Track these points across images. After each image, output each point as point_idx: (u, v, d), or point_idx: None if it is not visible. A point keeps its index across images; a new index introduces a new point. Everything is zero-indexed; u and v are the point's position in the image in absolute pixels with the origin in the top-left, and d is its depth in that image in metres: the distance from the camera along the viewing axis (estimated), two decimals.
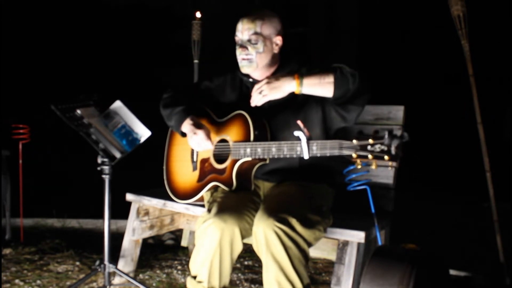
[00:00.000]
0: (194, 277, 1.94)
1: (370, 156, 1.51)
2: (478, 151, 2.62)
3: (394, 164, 1.50)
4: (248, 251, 3.08)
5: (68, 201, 4.00)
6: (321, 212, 1.93)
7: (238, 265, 2.92)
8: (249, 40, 2.03)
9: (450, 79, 5.42)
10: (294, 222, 1.76)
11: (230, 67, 2.25)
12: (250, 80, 2.14)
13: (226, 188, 2.05)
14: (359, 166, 1.55)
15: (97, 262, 2.23)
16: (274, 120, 2.05)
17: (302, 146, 1.72)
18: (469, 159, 3.87)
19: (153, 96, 2.51)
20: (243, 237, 1.90)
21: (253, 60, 2.04)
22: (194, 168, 2.20)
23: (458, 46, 2.66)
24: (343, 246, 2.01)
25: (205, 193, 2.16)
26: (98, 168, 2.17)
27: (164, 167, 2.38)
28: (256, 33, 2.02)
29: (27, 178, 3.20)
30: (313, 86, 1.87)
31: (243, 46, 2.04)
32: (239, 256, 3.03)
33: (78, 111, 2.15)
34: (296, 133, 1.74)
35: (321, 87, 1.87)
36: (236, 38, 2.08)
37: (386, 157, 1.49)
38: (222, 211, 1.88)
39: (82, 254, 3.00)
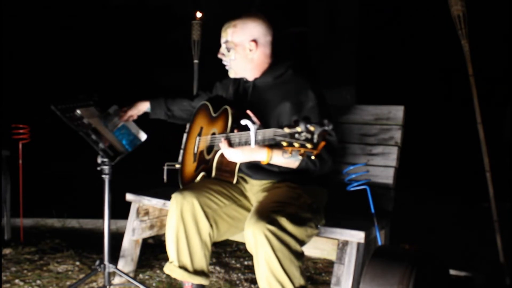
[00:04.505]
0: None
1: (296, 145, 1.51)
2: (478, 151, 2.62)
3: (316, 153, 1.50)
4: (248, 251, 3.08)
5: (68, 201, 4.00)
6: (312, 209, 1.94)
7: (238, 265, 2.92)
8: (225, 48, 2.15)
9: (450, 79, 5.42)
10: (283, 221, 1.77)
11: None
12: (244, 79, 2.23)
13: (208, 177, 2.13)
14: (289, 154, 1.55)
15: (97, 262, 2.23)
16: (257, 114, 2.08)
17: (251, 134, 1.74)
18: (469, 159, 3.87)
19: (152, 96, 2.52)
20: (208, 217, 1.98)
21: (230, 67, 2.17)
22: (194, 159, 2.28)
23: (458, 46, 2.66)
24: (343, 246, 2.01)
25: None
26: (98, 168, 2.17)
27: (180, 157, 2.45)
28: (227, 42, 2.13)
29: (27, 178, 3.20)
30: (277, 162, 1.95)
31: (221, 53, 2.18)
32: (239, 256, 3.04)
33: (78, 111, 2.15)
34: (243, 121, 1.75)
35: (284, 165, 1.98)
36: None
37: (308, 145, 1.49)
38: (184, 189, 2.03)
39: (82, 254, 3.00)
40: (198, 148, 2.28)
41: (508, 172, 4.48)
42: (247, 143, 1.84)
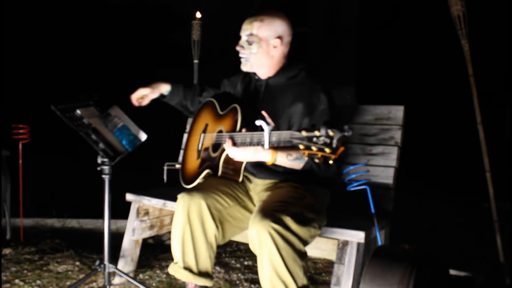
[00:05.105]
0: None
1: (314, 148, 1.52)
2: (478, 151, 2.62)
3: (335, 157, 1.51)
4: (248, 251, 3.08)
5: (68, 201, 4.00)
6: (315, 210, 1.95)
7: (238, 265, 2.92)
8: (247, 41, 2.12)
9: (450, 79, 5.42)
10: (288, 220, 1.78)
11: (230, 67, 2.29)
12: (256, 77, 2.22)
13: (214, 175, 2.12)
14: (306, 158, 1.56)
15: (97, 262, 2.23)
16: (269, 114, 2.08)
17: (264, 135, 1.74)
18: (469, 159, 3.87)
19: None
20: (214, 218, 1.97)
21: (248, 60, 2.14)
22: (198, 156, 2.28)
23: (458, 46, 2.66)
24: (343, 246, 2.01)
25: (200, 180, 2.22)
26: (98, 168, 2.17)
27: (181, 154, 2.44)
28: (251, 35, 2.11)
29: (27, 178, 3.20)
30: (281, 163, 1.98)
31: (240, 45, 2.15)
32: (239, 256, 3.04)
33: (78, 111, 2.15)
34: (258, 122, 1.76)
35: (288, 166, 2.00)
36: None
37: (327, 150, 1.50)
38: (191, 189, 2.03)
39: (82, 254, 3.00)
40: (202, 145, 2.28)
41: (508, 172, 4.48)
42: (259, 143, 1.85)
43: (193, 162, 2.31)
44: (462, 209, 4.27)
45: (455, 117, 5.26)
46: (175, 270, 2.01)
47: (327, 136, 1.50)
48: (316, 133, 1.52)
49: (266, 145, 1.74)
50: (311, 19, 5.35)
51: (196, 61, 3.69)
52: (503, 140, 5.60)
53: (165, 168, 2.81)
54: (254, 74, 2.22)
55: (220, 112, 2.23)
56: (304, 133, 1.55)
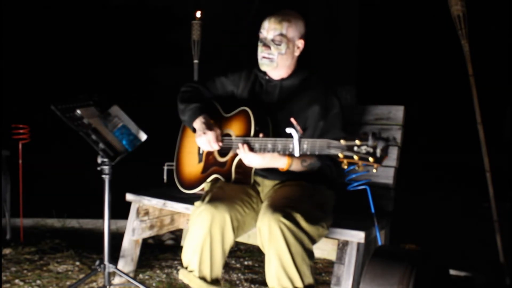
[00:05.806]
0: (187, 268, 1.98)
1: (355, 157, 1.53)
2: (478, 151, 2.62)
3: (378, 166, 1.52)
4: (248, 251, 3.08)
5: (68, 201, 4.00)
6: (324, 210, 1.95)
7: (238, 265, 2.92)
8: (273, 40, 2.07)
9: (450, 79, 5.43)
10: (298, 217, 1.78)
11: (229, 67, 2.26)
12: (266, 77, 2.18)
13: (225, 181, 2.09)
14: (345, 167, 1.57)
15: (97, 262, 2.23)
16: (278, 118, 2.08)
17: (294, 143, 1.73)
18: (468, 159, 3.87)
19: (152, 97, 2.51)
20: (234, 228, 1.93)
21: (274, 60, 2.08)
22: (200, 160, 2.24)
23: (458, 46, 2.66)
24: (343, 246, 2.01)
25: (206, 185, 2.20)
26: (98, 168, 2.17)
27: (175, 158, 2.41)
28: (281, 35, 2.06)
29: (27, 178, 3.20)
30: (295, 169, 1.99)
31: (266, 45, 2.09)
32: (239, 256, 3.04)
33: (78, 111, 2.15)
34: (288, 130, 1.75)
35: (302, 171, 2.01)
36: (261, 36, 2.11)
37: (370, 159, 1.50)
38: (214, 199, 1.95)
39: (82, 254, 3.00)
40: None
41: (508, 172, 4.48)
42: (285, 150, 1.82)
43: (193, 166, 2.27)
44: (462, 209, 4.27)
45: (455, 117, 5.27)
46: (190, 279, 1.96)
47: (371, 145, 1.50)
48: (357, 142, 1.52)
49: (297, 153, 1.72)
50: (311, 19, 5.34)
51: (196, 61, 3.69)
52: (503, 140, 5.60)
53: (165, 168, 2.81)
54: (265, 74, 2.17)
55: (225, 115, 2.18)
56: (343, 142, 1.55)
